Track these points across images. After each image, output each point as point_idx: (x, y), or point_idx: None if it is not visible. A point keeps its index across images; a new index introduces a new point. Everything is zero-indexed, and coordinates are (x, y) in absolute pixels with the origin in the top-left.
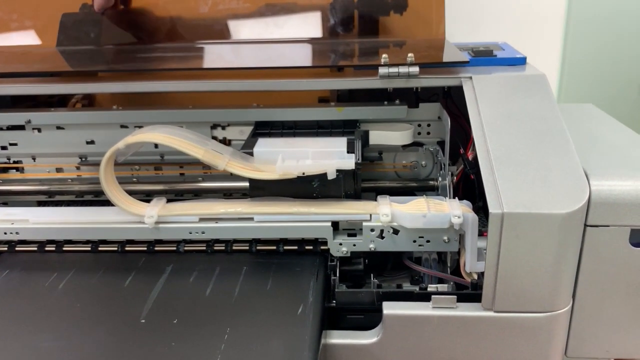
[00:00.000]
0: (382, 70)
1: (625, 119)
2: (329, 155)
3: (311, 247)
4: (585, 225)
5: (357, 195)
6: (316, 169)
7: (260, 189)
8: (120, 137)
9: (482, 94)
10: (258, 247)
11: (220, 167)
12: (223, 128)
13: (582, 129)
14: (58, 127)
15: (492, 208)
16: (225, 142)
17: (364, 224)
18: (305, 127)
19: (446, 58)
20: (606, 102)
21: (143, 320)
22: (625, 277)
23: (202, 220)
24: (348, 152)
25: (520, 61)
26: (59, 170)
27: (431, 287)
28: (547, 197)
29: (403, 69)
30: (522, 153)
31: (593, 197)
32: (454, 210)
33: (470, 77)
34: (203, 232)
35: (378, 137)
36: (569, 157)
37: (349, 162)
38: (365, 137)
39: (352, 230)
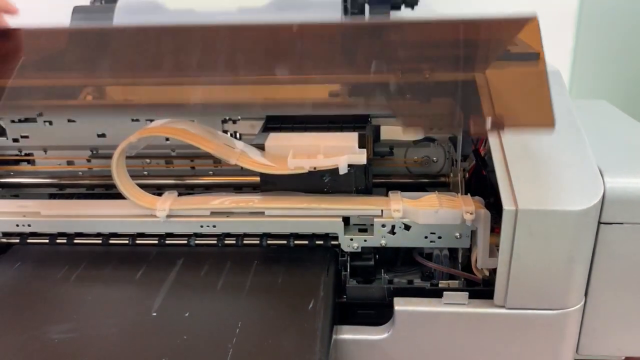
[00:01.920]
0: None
1: (639, 115)
2: (341, 150)
3: (322, 242)
4: (599, 223)
5: (368, 190)
6: (327, 164)
7: (271, 184)
8: (132, 131)
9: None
10: (269, 242)
11: (231, 162)
12: (234, 122)
13: (596, 125)
14: (69, 120)
15: (506, 204)
16: (236, 136)
17: (375, 219)
18: (317, 121)
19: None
20: (619, 98)
21: (154, 314)
22: (639, 275)
23: (213, 214)
24: (359, 147)
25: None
26: (70, 163)
27: (442, 284)
28: (561, 194)
29: None
30: (535, 149)
31: (607, 195)
32: (466, 207)
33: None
34: (214, 226)
35: (389, 132)
36: (583, 153)
37: (360, 157)
38: (376, 132)
39: (363, 225)
